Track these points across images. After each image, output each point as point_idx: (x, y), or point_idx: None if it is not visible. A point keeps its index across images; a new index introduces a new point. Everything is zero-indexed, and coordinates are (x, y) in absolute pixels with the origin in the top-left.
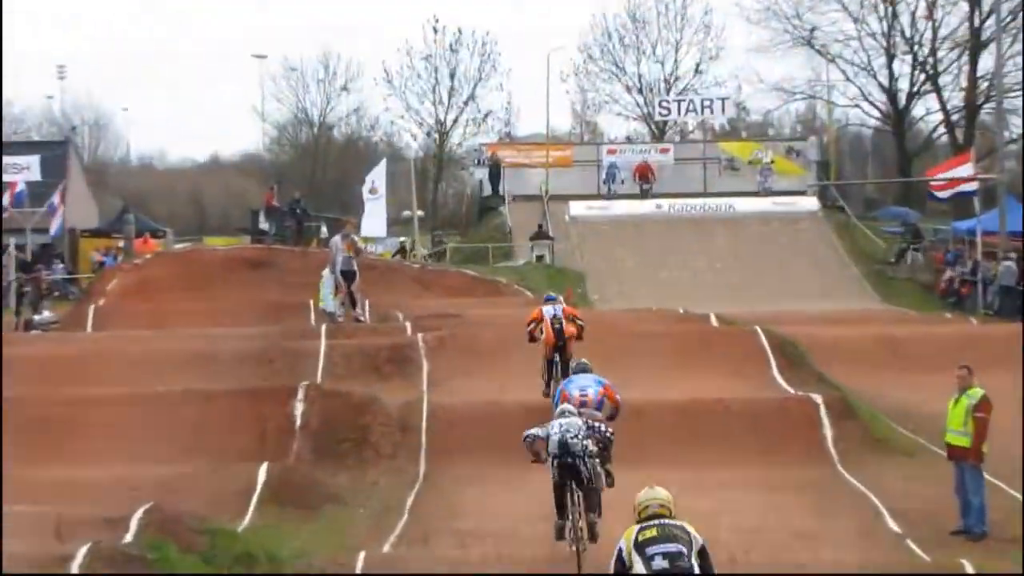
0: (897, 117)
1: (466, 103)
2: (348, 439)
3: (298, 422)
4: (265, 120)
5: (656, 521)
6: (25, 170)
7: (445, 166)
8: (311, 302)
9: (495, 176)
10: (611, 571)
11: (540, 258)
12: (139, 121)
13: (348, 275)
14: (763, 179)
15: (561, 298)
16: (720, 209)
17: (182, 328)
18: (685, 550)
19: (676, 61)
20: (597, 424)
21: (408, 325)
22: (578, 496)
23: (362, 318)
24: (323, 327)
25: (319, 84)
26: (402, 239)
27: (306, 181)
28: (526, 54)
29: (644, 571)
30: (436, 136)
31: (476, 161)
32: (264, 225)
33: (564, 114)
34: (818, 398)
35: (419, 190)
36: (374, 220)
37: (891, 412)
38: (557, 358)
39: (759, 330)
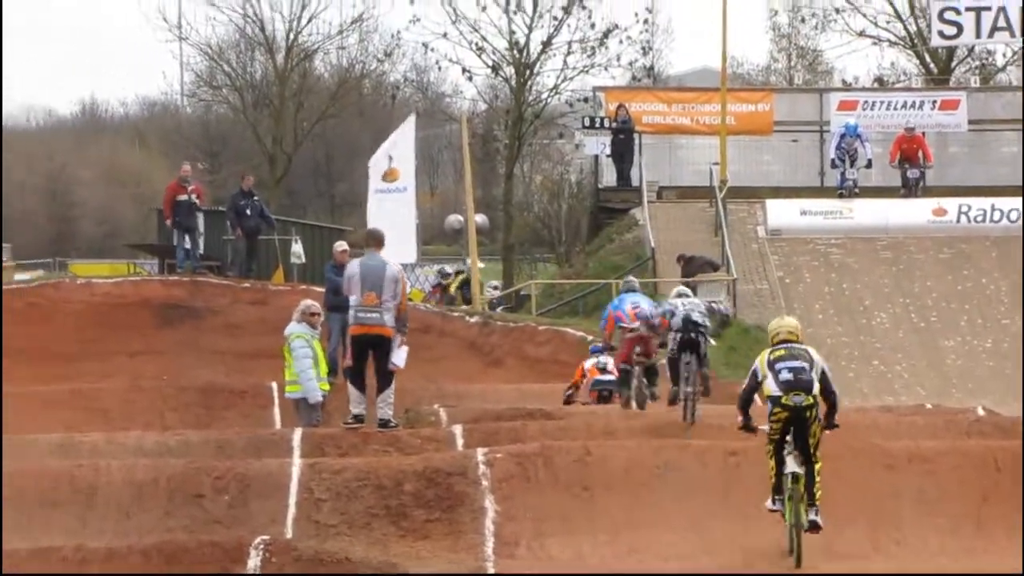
0: None
1: (567, 10)
2: None
3: None
4: (184, 39)
5: (785, 345)
6: None
7: (530, 131)
8: (272, 385)
9: (624, 151)
10: (745, 387)
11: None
12: None
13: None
14: None
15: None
16: None
17: (24, 434)
18: (807, 366)
19: None
20: (714, 304)
21: (457, 432)
22: (693, 362)
23: (390, 418)
24: (296, 434)
25: None
26: (452, 269)
27: (261, 157)
28: None
29: (773, 382)
30: (512, 74)
31: (588, 123)
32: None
33: (758, 36)
34: None
35: (480, 176)
36: (396, 232)
37: None
38: None
39: None
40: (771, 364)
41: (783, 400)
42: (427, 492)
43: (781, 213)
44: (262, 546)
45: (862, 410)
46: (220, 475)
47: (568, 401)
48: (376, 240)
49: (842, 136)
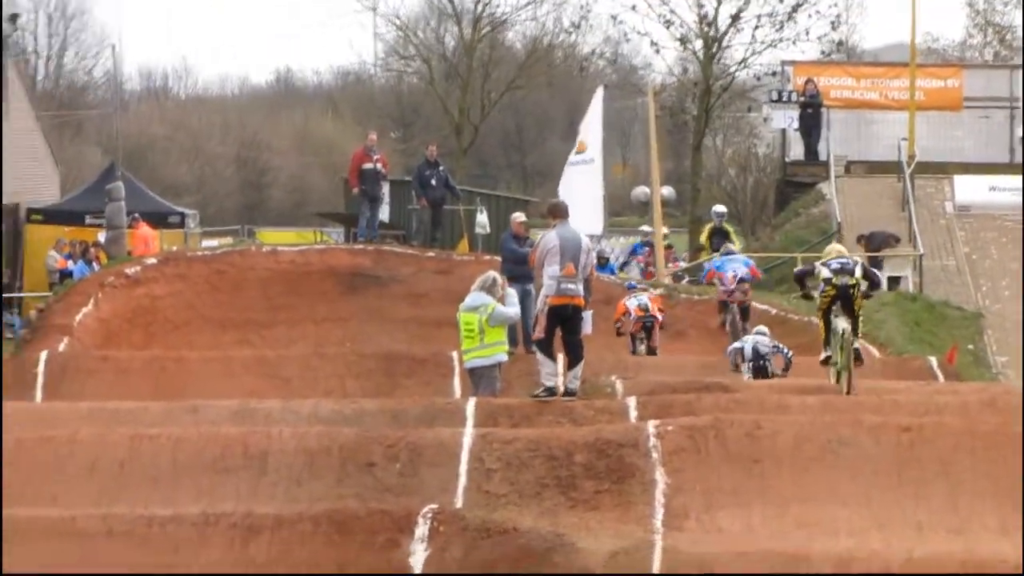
0: None
1: None
2: None
3: None
4: (377, 12)
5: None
6: None
7: (718, 104)
8: (453, 354)
9: (811, 125)
10: (799, 269)
11: (895, 282)
12: (142, 14)
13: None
14: None
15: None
16: None
17: (206, 399)
18: (852, 263)
19: None
20: (783, 347)
21: (631, 404)
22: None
23: (577, 389)
24: (470, 403)
25: None
26: (644, 230)
27: (449, 128)
28: None
29: (826, 270)
30: (700, 47)
31: (775, 96)
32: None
33: (955, 11)
34: None
35: (672, 149)
36: (583, 204)
37: None
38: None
39: None
40: (825, 263)
41: (833, 281)
42: (598, 463)
43: (969, 189)
44: (430, 515)
45: None
46: (392, 443)
47: (620, 332)
48: (565, 212)
49: None
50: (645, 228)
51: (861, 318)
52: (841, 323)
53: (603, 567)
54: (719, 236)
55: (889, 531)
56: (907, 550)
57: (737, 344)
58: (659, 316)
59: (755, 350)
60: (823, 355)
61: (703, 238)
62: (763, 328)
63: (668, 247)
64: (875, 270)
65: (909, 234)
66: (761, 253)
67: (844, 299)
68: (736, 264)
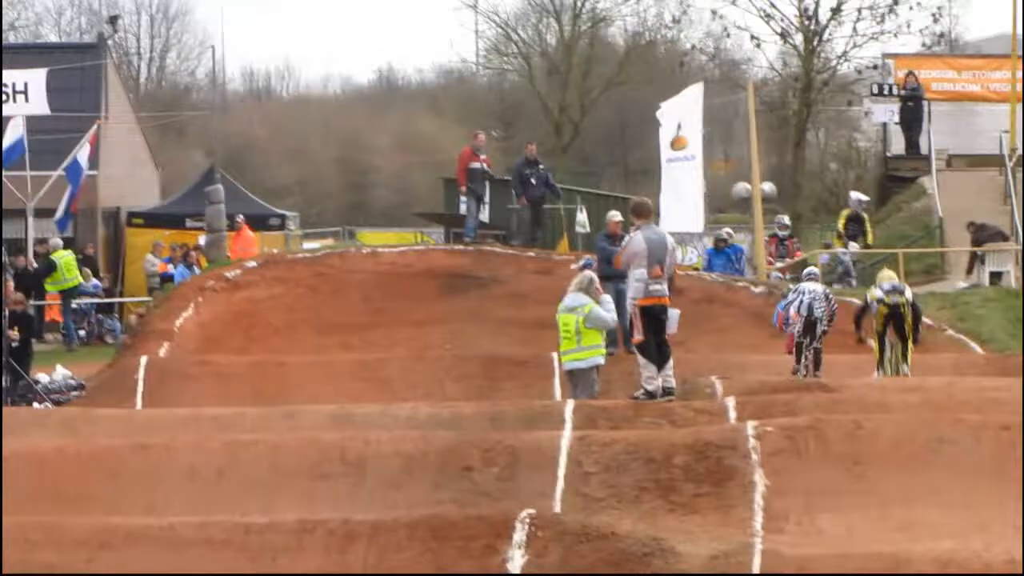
0: None
1: None
2: None
3: None
4: (472, 7)
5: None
6: (20, 97)
7: (819, 98)
8: (554, 356)
9: (912, 118)
10: (857, 309)
11: (996, 278)
12: (245, 14)
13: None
14: None
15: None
16: None
17: (307, 403)
18: (903, 287)
19: None
20: (832, 300)
21: (730, 404)
22: (811, 352)
23: (674, 385)
24: (568, 406)
25: None
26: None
27: (549, 125)
28: None
29: (879, 291)
30: (800, 41)
31: (876, 90)
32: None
33: None
34: None
35: (775, 144)
36: (681, 202)
37: None
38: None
39: None
40: (877, 284)
41: (885, 300)
42: (697, 466)
43: None
44: (528, 520)
45: None
46: (490, 447)
47: None
48: (650, 211)
49: None
50: (783, 219)
51: (911, 349)
52: (896, 352)
53: (703, 571)
54: (855, 223)
55: (990, 532)
56: (1008, 551)
57: (791, 296)
58: None
59: (810, 307)
60: (875, 376)
61: (840, 224)
62: (815, 271)
63: (790, 237)
64: (919, 306)
65: (1011, 228)
66: (863, 250)
67: (896, 319)
68: (804, 297)
